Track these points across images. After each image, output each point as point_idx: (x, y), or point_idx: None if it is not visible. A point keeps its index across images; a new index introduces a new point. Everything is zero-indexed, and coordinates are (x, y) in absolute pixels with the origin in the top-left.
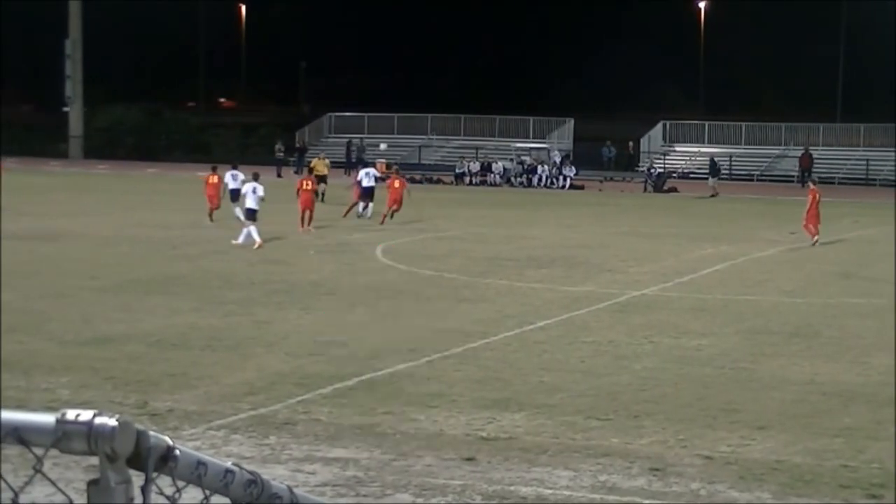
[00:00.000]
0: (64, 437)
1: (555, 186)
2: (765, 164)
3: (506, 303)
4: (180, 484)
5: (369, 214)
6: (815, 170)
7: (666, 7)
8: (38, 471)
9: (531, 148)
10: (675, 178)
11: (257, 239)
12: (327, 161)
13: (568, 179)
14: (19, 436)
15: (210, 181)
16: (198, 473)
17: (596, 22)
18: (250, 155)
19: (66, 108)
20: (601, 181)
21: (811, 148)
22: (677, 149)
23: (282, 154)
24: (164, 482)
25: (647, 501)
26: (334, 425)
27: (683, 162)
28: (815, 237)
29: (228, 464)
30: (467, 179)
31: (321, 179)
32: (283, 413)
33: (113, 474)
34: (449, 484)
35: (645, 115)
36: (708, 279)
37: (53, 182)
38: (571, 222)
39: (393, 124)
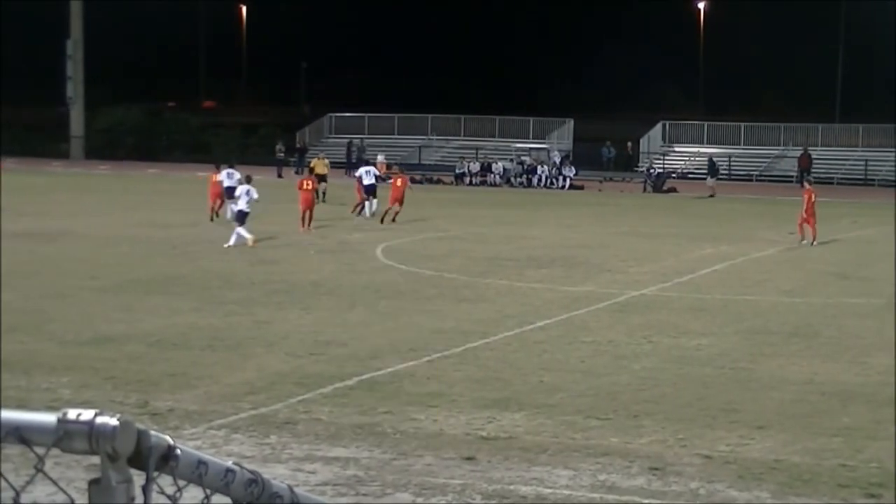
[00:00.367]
0: (65, 437)
1: (554, 187)
2: (764, 164)
3: (506, 303)
4: (181, 483)
5: (371, 213)
6: (813, 170)
7: (665, 7)
8: (39, 470)
9: (531, 148)
10: (674, 178)
11: (248, 237)
12: (327, 161)
13: (567, 180)
14: (20, 435)
15: (214, 179)
16: (199, 473)
17: (596, 22)
18: (251, 155)
19: (64, 107)
20: (601, 181)
21: (810, 148)
22: (677, 149)
23: (282, 154)
24: (165, 481)
25: (646, 501)
26: (335, 425)
27: (683, 162)
28: (811, 239)
29: (229, 463)
30: (467, 180)
31: (321, 179)
32: (283, 412)
33: (114, 474)
34: (449, 483)
35: (644, 116)
36: (707, 279)
37: (54, 182)
38: (571, 222)
39: (393, 125)
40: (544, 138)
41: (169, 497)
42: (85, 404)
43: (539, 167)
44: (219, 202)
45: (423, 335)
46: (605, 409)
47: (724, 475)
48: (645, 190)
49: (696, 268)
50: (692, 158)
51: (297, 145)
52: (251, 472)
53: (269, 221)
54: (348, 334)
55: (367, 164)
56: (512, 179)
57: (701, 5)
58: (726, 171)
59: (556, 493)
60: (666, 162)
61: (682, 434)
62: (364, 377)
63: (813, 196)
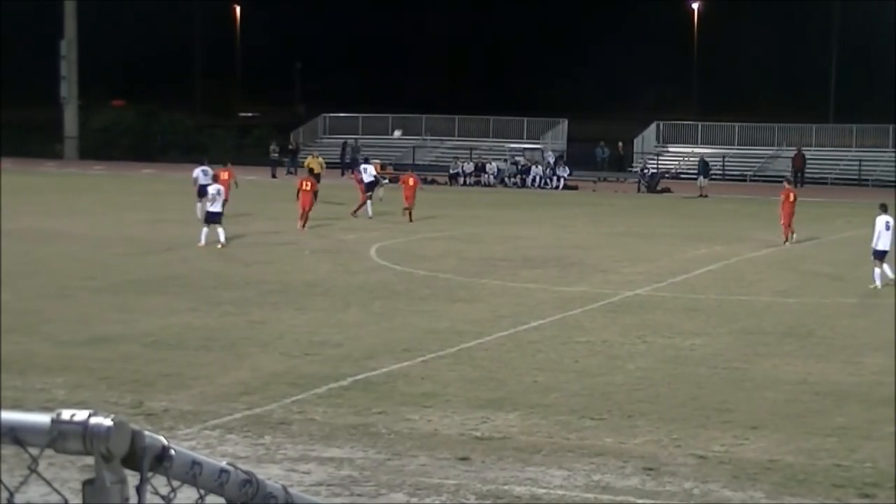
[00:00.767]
0: (59, 437)
1: (548, 187)
2: (758, 164)
3: (500, 303)
4: (175, 484)
5: (369, 215)
6: (808, 170)
7: (659, 8)
8: (33, 471)
9: (525, 148)
10: (668, 178)
11: (221, 238)
12: (321, 160)
13: (562, 180)
14: (15, 436)
15: (221, 177)
16: (193, 473)
17: (590, 23)
18: (245, 155)
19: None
20: (595, 181)
21: (804, 148)
22: (671, 149)
23: (276, 155)
24: (160, 482)
25: (640, 501)
26: (329, 425)
27: (677, 162)
28: (787, 237)
29: (223, 463)
30: (461, 180)
31: (315, 178)
32: (277, 413)
33: (108, 474)
34: (443, 483)
35: (639, 116)
36: (701, 279)
37: (49, 183)
38: (565, 223)
39: (387, 125)
40: (538, 138)
41: (163, 497)
42: (79, 405)
43: (533, 167)
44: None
45: (418, 335)
46: (599, 409)
47: (718, 475)
48: (639, 190)
49: (691, 268)
50: (686, 159)
51: (290, 146)
52: (245, 472)
53: (263, 222)
54: (343, 335)
55: (367, 162)
56: (506, 180)
57: (695, 5)
58: (720, 172)
59: (550, 493)
60: (660, 162)
61: (676, 434)
62: (358, 377)
63: (792, 196)
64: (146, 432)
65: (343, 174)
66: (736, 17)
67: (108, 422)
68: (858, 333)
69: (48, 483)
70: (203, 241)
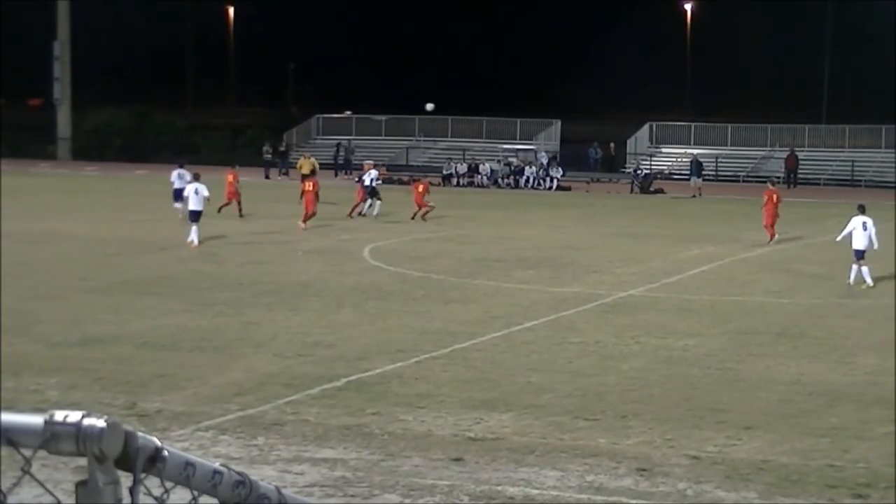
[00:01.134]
0: (52, 439)
1: (542, 188)
2: (751, 165)
3: (493, 303)
4: (168, 485)
5: (375, 213)
6: (800, 171)
7: (652, 8)
8: (26, 472)
9: (518, 149)
10: (660, 179)
11: (195, 239)
12: (313, 160)
13: (555, 181)
14: (8, 437)
15: (229, 179)
16: (186, 474)
17: (583, 24)
18: (238, 156)
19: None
20: (588, 182)
21: (797, 149)
22: (664, 150)
23: (269, 156)
24: (153, 483)
25: (634, 501)
26: (322, 426)
27: (670, 163)
28: (771, 238)
29: (216, 465)
30: (454, 181)
31: (306, 178)
32: (271, 414)
33: (101, 475)
34: (437, 484)
35: (632, 117)
36: (695, 280)
37: (42, 183)
38: (558, 223)
39: (381, 126)
40: (531, 139)
41: (156, 499)
42: (72, 406)
43: (526, 168)
44: (235, 198)
45: (411, 336)
46: (592, 409)
47: (711, 476)
48: (632, 191)
49: (684, 268)
50: (679, 159)
51: (281, 147)
52: (239, 473)
53: (257, 222)
54: (336, 335)
55: (375, 167)
56: (499, 180)
57: (688, 6)
58: (713, 172)
59: (543, 493)
60: (653, 163)
61: (669, 435)
62: (352, 378)
63: (775, 196)
64: (139, 433)
65: (336, 175)
66: (729, 17)
67: (101, 423)
68: (851, 334)
69: (41, 484)
70: (195, 241)
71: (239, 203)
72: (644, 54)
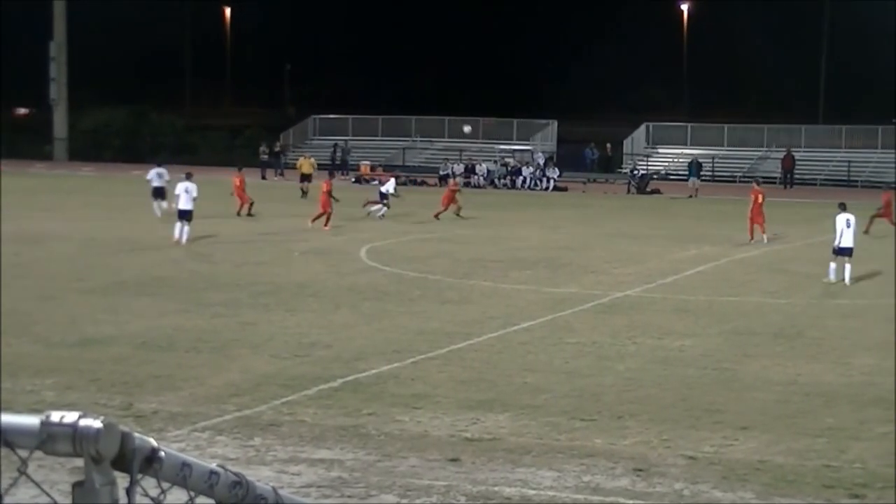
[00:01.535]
0: (49, 439)
1: (538, 188)
2: (747, 165)
3: (490, 304)
4: (165, 485)
5: (380, 214)
6: (797, 171)
7: (649, 9)
8: (22, 473)
9: (515, 150)
10: (657, 179)
11: (176, 235)
12: (313, 160)
13: (551, 181)
14: (4, 438)
15: (236, 183)
16: (182, 475)
17: (579, 24)
18: (235, 157)
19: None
20: (584, 183)
21: (793, 149)
22: (661, 150)
23: (266, 156)
24: (149, 483)
25: (630, 502)
26: (319, 426)
27: (667, 163)
28: (753, 238)
29: (213, 465)
30: (451, 181)
31: (305, 178)
32: (267, 414)
33: (98, 476)
34: (433, 485)
35: (628, 117)
36: (691, 280)
37: (38, 184)
38: (555, 224)
39: (377, 126)
40: (528, 140)
41: (153, 499)
42: (69, 406)
43: (523, 169)
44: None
45: (408, 336)
46: (589, 410)
47: (708, 476)
48: (629, 191)
49: (680, 269)
50: (676, 160)
51: (276, 148)
52: (235, 473)
53: (254, 223)
54: (333, 336)
55: (395, 178)
56: (496, 181)
57: (685, 6)
58: (710, 173)
59: (540, 494)
60: (650, 163)
61: (666, 435)
62: (348, 379)
63: (760, 196)
64: (136, 434)
65: (333, 176)
66: (726, 18)
67: (97, 424)
68: (848, 334)
69: (37, 485)
70: (178, 238)
71: (251, 204)
72: (641, 55)
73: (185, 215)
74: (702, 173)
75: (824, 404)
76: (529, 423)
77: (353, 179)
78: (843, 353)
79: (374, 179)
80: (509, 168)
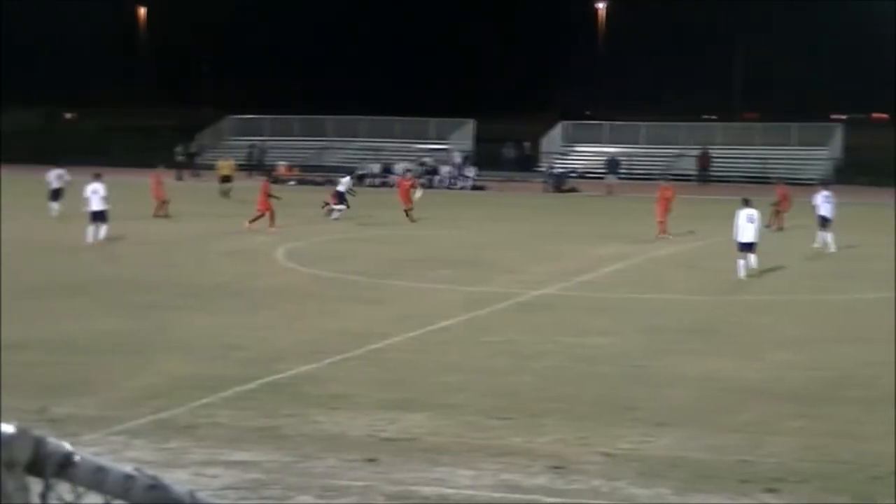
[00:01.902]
0: None
1: (456, 187)
2: (664, 163)
3: (408, 304)
4: (80, 490)
5: (335, 216)
6: (713, 169)
7: (566, 8)
8: None
9: (432, 149)
10: (574, 178)
11: (90, 238)
12: (232, 162)
13: (469, 180)
14: None
15: (155, 181)
16: (97, 479)
17: (496, 23)
18: (151, 158)
19: None
20: (502, 182)
21: (709, 147)
22: (577, 149)
23: (182, 157)
24: (64, 488)
25: (548, 500)
26: (236, 428)
27: (583, 162)
28: (663, 234)
29: (129, 469)
30: (368, 181)
31: (225, 180)
32: (184, 417)
33: (11, 482)
34: (351, 485)
35: (545, 116)
36: (608, 278)
37: None
38: (473, 223)
39: (294, 126)
40: (445, 139)
41: None
42: None
43: (441, 168)
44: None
45: (326, 337)
46: (506, 408)
47: (625, 473)
48: (546, 190)
49: (597, 267)
50: (592, 158)
51: (191, 150)
52: (151, 477)
53: (171, 225)
54: (250, 337)
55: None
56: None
57: (601, 5)
58: (626, 171)
59: (458, 493)
60: (566, 162)
61: (583, 432)
62: (266, 380)
63: (669, 193)
64: (50, 439)
65: (250, 176)
66: (642, 17)
67: (10, 429)
68: (762, 330)
69: None
70: (91, 240)
71: (164, 202)
72: (557, 54)
73: (99, 217)
74: (619, 171)
75: (740, 400)
76: (447, 423)
77: (271, 180)
78: (757, 349)
79: (290, 180)
80: (427, 167)
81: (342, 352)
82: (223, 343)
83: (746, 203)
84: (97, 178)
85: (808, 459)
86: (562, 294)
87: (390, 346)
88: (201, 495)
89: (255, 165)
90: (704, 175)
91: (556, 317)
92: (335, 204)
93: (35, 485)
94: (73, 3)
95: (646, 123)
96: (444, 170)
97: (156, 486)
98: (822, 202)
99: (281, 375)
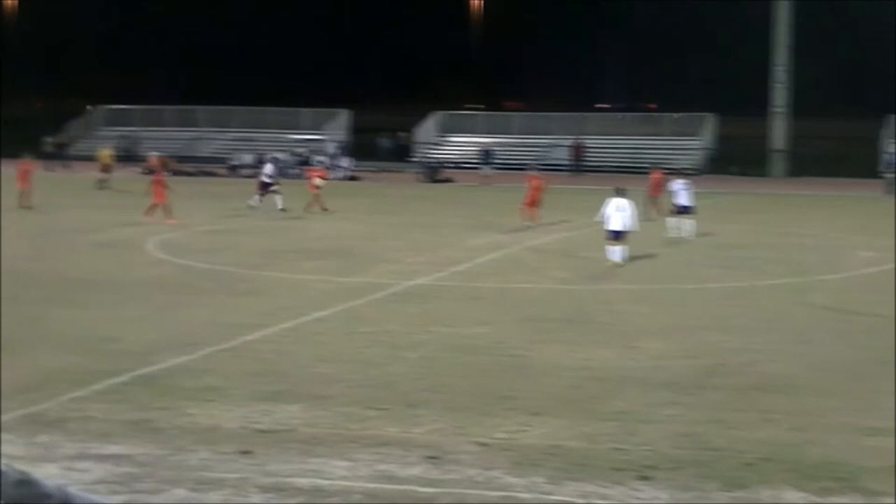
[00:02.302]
0: None
1: (330, 178)
2: (537, 153)
3: (282, 295)
4: None
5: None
6: (586, 159)
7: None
8: None
9: (306, 139)
10: (449, 168)
11: None
12: (110, 152)
13: (343, 170)
14: None
15: (21, 168)
16: None
17: (370, 12)
18: (17, 150)
19: None
20: (377, 172)
21: (582, 137)
22: (451, 139)
23: (51, 148)
24: None
25: (424, 489)
26: (108, 422)
27: (457, 152)
28: (529, 222)
29: None
30: (241, 172)
31: (105, 169)
32: (54, 411)
33: None
34: (225, 478)
35: (419, 106)
36: (483, 268)
37: None
38: (347, 213)
39: (165, 117)
40: (319, 129)
41: None
42: None
43: (314, 158)
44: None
45: (199, 329)
46: (382, 399)
47: (501, 462)
48: (420, 180)
49: (473, 257)
50: (466, 148)
51: (61, 140)
52: (21, 472)
53: (38, 216)
54: (122, 329)
55: (272, 161)
56: (287, 171)
57: None
58: (500, 161)
59: (334, 484)
60: (441, 152)
61: (459, 422)
62: (138, 373)
63: (537, 182)
64: None
65: (165, 167)
66: (517, 7)
67: None
68: (637, 319)
69: None
70: None
71: (26, 192)
72: (432, 44)
73: None
74: (493, 161)
75: (614, 388)
76: (322, 414)
77: (142, 171)
78: (632, 338)
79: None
80: (300, 157)
81: (216, 343)
82: (95, 336)
83: (618, 192)
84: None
85: (681, 447)
86: (437, 284)
87: (264, 337)
88: (72, 490)
89: (125, 156)
90: (578, 165)
91: (431, 306)
92: (273, 194)
93: None
94: None
95: (519, 114)
96: (318, 160)
97: (25, 482)
98: (680, 190)
99: (154, 368)
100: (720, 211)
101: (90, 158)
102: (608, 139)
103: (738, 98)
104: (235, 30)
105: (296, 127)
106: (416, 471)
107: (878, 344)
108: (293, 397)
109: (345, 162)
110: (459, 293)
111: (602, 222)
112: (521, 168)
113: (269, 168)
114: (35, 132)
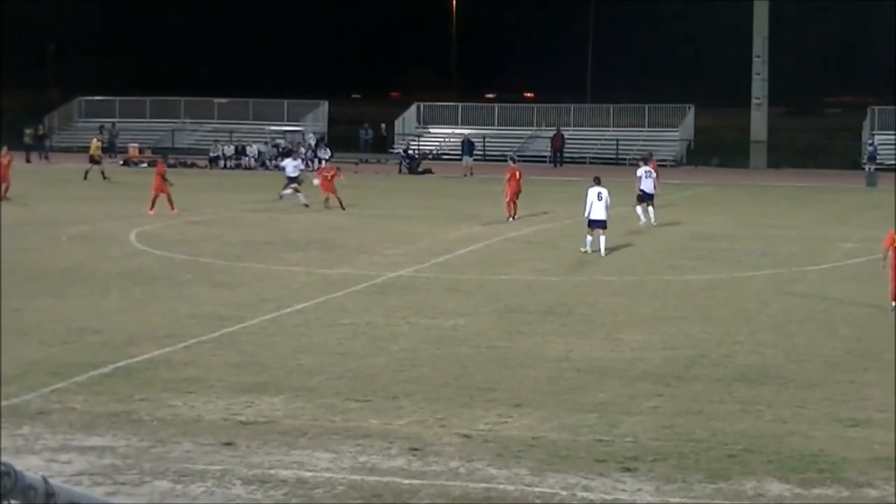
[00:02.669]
0: None
1: (310, 169)
2: (518, 144)
3: (262, 286)
4: None
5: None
6: (566, 150)
7: None
8: None
9: (286, 131)
10: (430, 159)
11: None
12: (97, 142)
13: (323, 162)
14: None
15: (3, 161)
16: None
17: (349, 5)
18: None
19: None
20: (356, 164)
21: (563, 128)
22: (432, 130)
23: (31, 140)
24: None
25: (406, 481)
26: (90, 413)
27: (438, 143)
28: (510, 216)
29: None
30: (222, 163)
31: (95, 161)
32: (36, 402)
33: None
34: (208, 469)
35: (400, 97)
36: (463, 259)
37: None
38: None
39: (145, 108)
40: (299, 121)
41: None
42: None
43: (294, 149)
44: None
45: (180, 321)
46: (363, 390)
47: (483, 454)
48: (401, 171)
49: (453, 248)
50: (447, 139)
51: (39, 132)
52: (3, 464)
53: (18, 207)
54: (103, 321)
55: (289, 155)
56: (267, 162)
57: None
58: (481, 152)
59: (316, 476)
60: (421, 143)
61: (440, 414)
62: (120, 364)
63: (518, 174)
64: None
65: (165, 159)
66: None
67: None
68: (618, 311)
69: None
70: None
71: (5, 184)
72: (412, 35)
73: None
74: (474, 152)
75: (595, 380)
76: (304, 405)
77: (122, 162)
78: (612, 330)
79: (142, 162)
80: (280, 149)
81: (197, 335)
82: (76, 327)
83: (597, 182)
84: None
85: (663, 438)
86: (417, 276)
87: (246, 329)
88: (55, 482)
89: (106, 147)
90: (558, 156)
91: (412, 298)
92: (294, 192)
93: None
94: None
95: (499, 105)
96: (298, 151)
97: (8, 474)
98: (643, 177)
99: (135, 359)
100: (700, 202)
101: (69, 150)
102: (588, 131)
103: (718, 89)
104: (218, 22)
105: (276, 118)
106: (398, 462)
107: (860, 335)
108: (275, 389)
109: (324, 153)
110: (439, 285)
111: (587, 215)
112: (501, 159)
113: (292, 162)
114: (15, 124)
